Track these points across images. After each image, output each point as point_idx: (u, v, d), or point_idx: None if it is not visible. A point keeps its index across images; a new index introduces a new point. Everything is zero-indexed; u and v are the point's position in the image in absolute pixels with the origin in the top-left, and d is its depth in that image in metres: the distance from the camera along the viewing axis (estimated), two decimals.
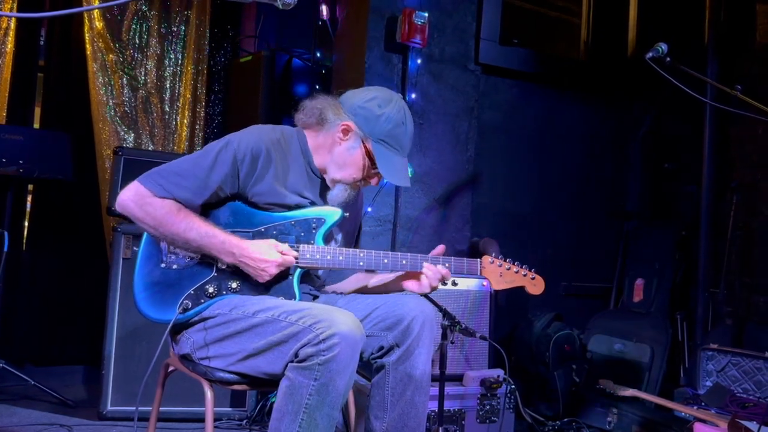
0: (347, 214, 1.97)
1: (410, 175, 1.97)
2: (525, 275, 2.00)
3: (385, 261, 1.90)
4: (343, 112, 1.92)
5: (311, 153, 1.96)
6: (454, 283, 2.94)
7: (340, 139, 1.91)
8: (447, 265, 1.93)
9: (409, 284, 1.95)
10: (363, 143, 1.90)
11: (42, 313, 3.77)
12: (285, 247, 1.82)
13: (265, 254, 1.78)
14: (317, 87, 3.58)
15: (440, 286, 1.95)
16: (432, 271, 1.89)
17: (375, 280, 2.06)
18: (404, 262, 1.91)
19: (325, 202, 1.96)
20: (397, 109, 1.91)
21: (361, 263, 1.89)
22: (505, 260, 1.99)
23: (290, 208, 1.89)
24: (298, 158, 1.94)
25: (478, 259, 1.97)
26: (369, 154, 1.90)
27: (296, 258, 1.83)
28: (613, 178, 4.17)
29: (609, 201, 4.14)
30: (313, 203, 1.93)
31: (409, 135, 1.94)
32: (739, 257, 3.50)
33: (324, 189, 1.98)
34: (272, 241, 1.81)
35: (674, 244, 3.73)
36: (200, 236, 1.77)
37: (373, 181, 1.97)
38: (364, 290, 2.09)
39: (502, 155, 3.80)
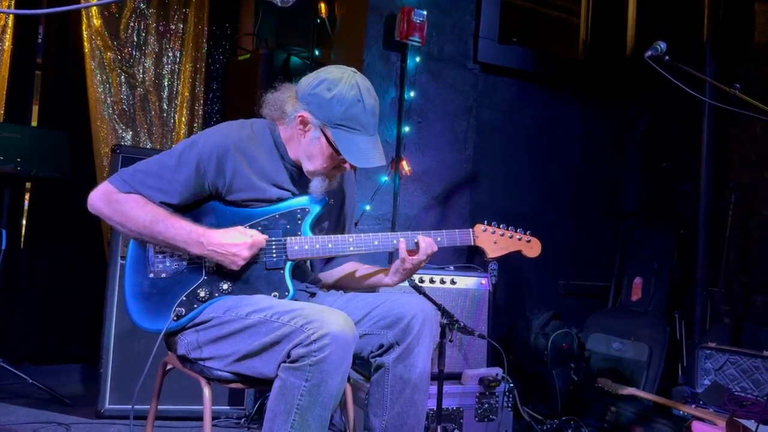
0: (332, 200, 1.94)
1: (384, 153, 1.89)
2: (520, 239, 1.95)
3: (376, 243, 1.88)
4: (298, 102, 1.84)
5: (285, 145, 1.91)
6: (453, 282, 2.94)
7: (301, 131, 1.84)
8: (439, 238, 1.91)
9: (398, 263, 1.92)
10: (323, 131, 1.81)
11: (40, 311, 3.76)
12: (253, 231, 1.78)
13: (233, 239, 1.75)
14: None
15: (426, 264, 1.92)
16: (426, 242, 1.87)
17: (364, 268, 2.06)
18: (395, 241, 1.89)
19: (303, 193, 1.92)
20: (349, 87, 1.79)
21: (351, 248, 1.86)
22: (498, 226, 1.95)
23: (272, 201, 1.86)
24: (272, 151, 1.90)
25: (470, 229, 1.94)
26: (331, 142, 1.81)
27: (266, 239, 1.80)
28: (612, 177, 4.17)
29: (607, 200, 4.14)
30: (294, 195, 1.90)
31: (369, 111, 1.81)
32: (738, 256, 3.51)
33: (300, 180, 1.93)
34: (239, 228, 1.79)
35: (673, 244, 3.73)
36: (166, 227, 1.74)
37: (347, 165, 1.87)
38: (356, 279, 2.07)
39: (500, 154, 3.80)
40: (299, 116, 1.83)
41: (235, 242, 1.74)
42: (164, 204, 1.79)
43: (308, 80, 1.85)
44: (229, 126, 1.88)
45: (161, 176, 1.79)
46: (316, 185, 1.88)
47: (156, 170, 1.79)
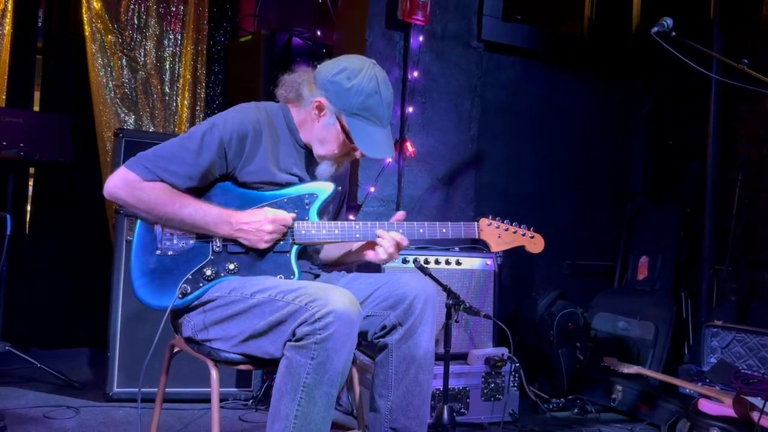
0: (340, 187, 1.96)
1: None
2: (524, 235, 2.00)
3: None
4: (316, 88, 1.88)
5: (297, 128, 1.95)
6: (458, 263, 2.93)
7: (316, 115, 1.89)
8: (444, 230, 1.93)
9: (369, 254, 1.95)
10: (338, 118, 1.87)
11: (46, 296, 3.78)
12: (278, 210, 1.82)
13: (258, 216, 1.79)
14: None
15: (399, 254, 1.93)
16: (387, 239, 1.88)
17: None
18: (400, 231, 1.91)
19: (312, 176, 1.95)
20: (368, 79, 1.84)
21: (358, 235, 1.89)
22: (502, 221, 1.99)
23: (281, 186, 1.88)
24: (285, 134, 1.93)
25: (475, 222, 1.98)
26: (345, 130, 1.86)
27: (293, 217, 1.84)
28: (617, 155, 4.15)
29: (613, 179, 4.12)
30: (302, 180, 1.92)
31: (385, 103, 1.87)
32: (744, 234, 3.49)
33: (310, 162, 1.96)
34: (266, 209, 1.82)
35: (679, 222, 3.71)
36: (195, 211, 1.77)
37: (357, 153, 1.92)
38: (346, 257, 2.10)
39: (505, 134, 3.77)
40: (316, 101, 1.87)
41: (260, 218, 1.79)
42: (189, 189, 1.81)
43: (328, 67, 1.89)
44: (245, 108, 1.89)
45: (184, 161, 1.78)
46: (324, 169, 1.93)
47: (178, 155, 1.79)
